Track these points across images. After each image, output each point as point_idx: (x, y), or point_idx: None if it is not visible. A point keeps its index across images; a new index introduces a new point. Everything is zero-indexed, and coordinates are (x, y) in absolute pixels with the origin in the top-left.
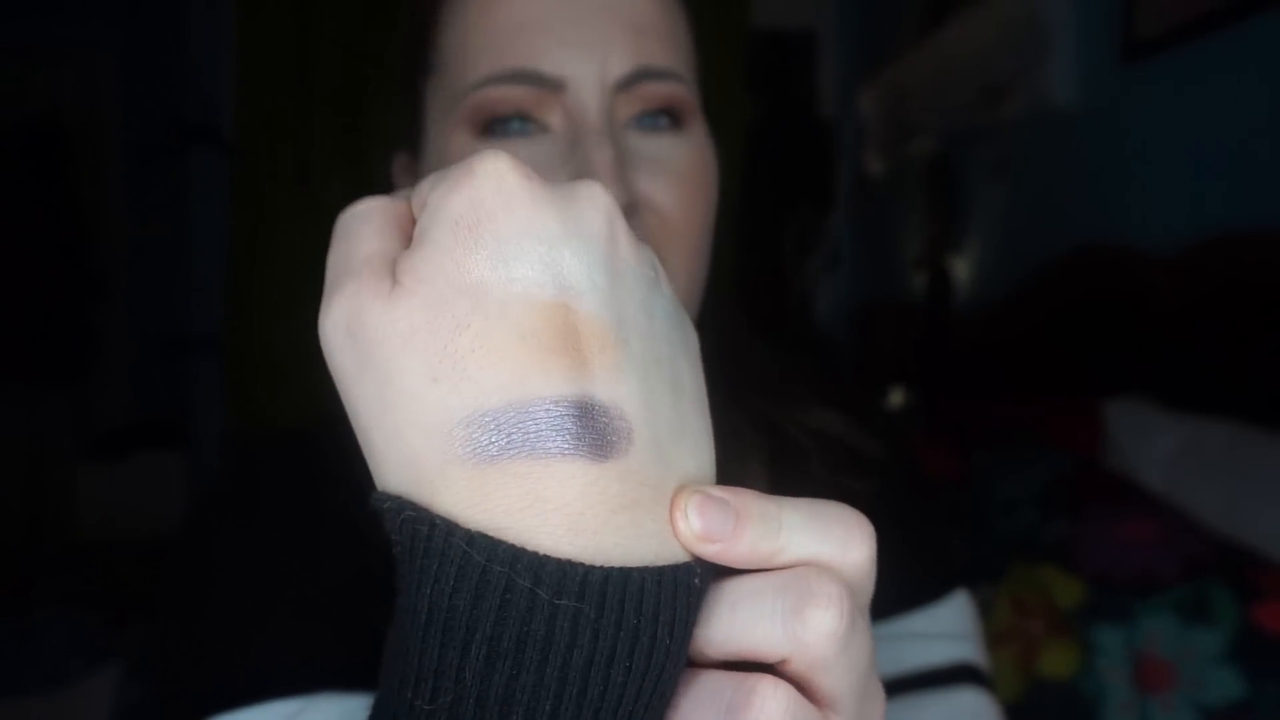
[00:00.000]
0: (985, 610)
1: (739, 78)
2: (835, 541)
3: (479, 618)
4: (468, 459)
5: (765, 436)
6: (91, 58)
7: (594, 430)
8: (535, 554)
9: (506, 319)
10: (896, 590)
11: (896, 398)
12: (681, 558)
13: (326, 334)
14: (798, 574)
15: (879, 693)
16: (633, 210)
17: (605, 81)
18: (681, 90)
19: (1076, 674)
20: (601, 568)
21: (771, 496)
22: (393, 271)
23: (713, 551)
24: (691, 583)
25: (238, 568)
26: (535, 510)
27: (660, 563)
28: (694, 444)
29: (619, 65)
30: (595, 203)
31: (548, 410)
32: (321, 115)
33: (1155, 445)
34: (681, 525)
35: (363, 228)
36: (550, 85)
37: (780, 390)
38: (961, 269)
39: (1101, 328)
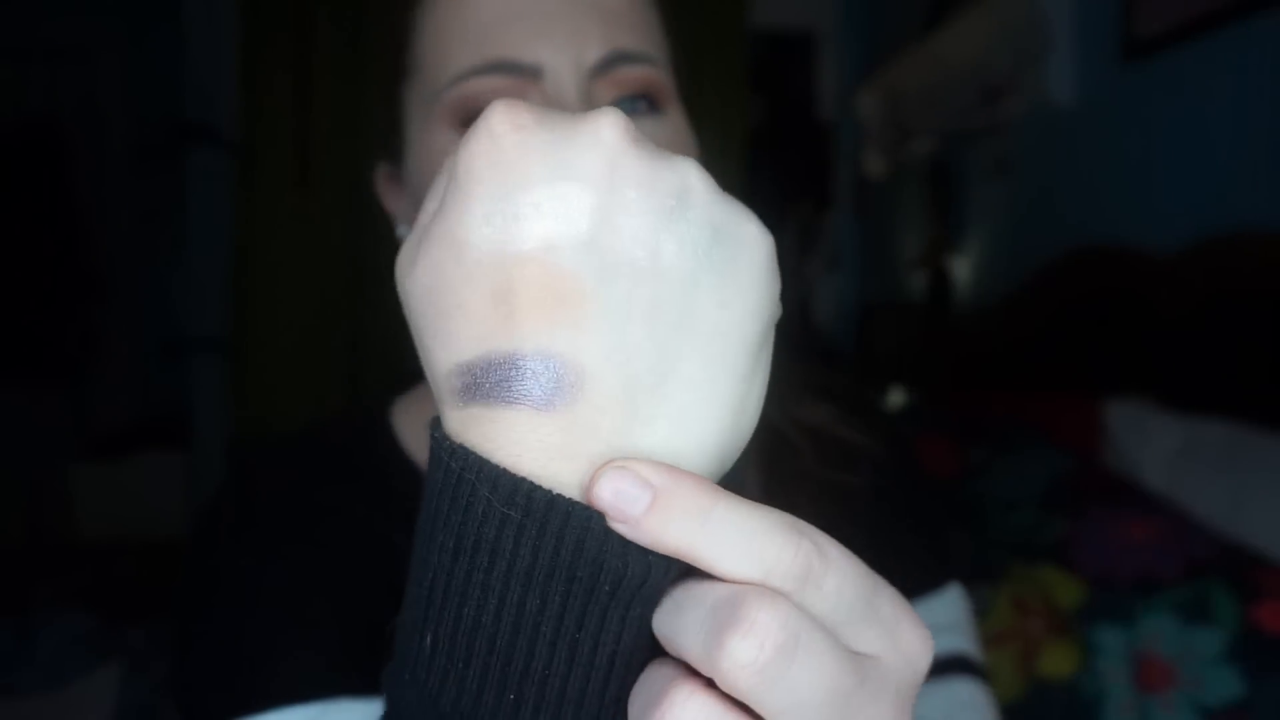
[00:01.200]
0: (985, 610)
1: (739, 78)
2: (789, 563)
3: (451, 517)
4: (455, 403)
5: (758, 431)
6: (91, 58)
7: (539, 380)
8: (497, 466)
9: (477, 278)
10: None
11: (896, 398)
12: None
13: (398, 280)
14: (735, 592)
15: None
16: None
17: (581, 67)
18: (656, 74)
19: (1077, 674)
20: (549, 490)
21: (725, 494)
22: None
23: (620, 531)
24: (640, 547)
25: (250, 577)
26: (489, 448)
27: None
28: (685, 389)
29: (594, 51)
30: (598, 138)
31: (504, 362)
32: (321, 115)
33: (1155, 445)
34: (592, 494)
35: (438, 182)
36: (528, 73)
37: (775, 384)
38: (961, 269)
39: (1101, 327)
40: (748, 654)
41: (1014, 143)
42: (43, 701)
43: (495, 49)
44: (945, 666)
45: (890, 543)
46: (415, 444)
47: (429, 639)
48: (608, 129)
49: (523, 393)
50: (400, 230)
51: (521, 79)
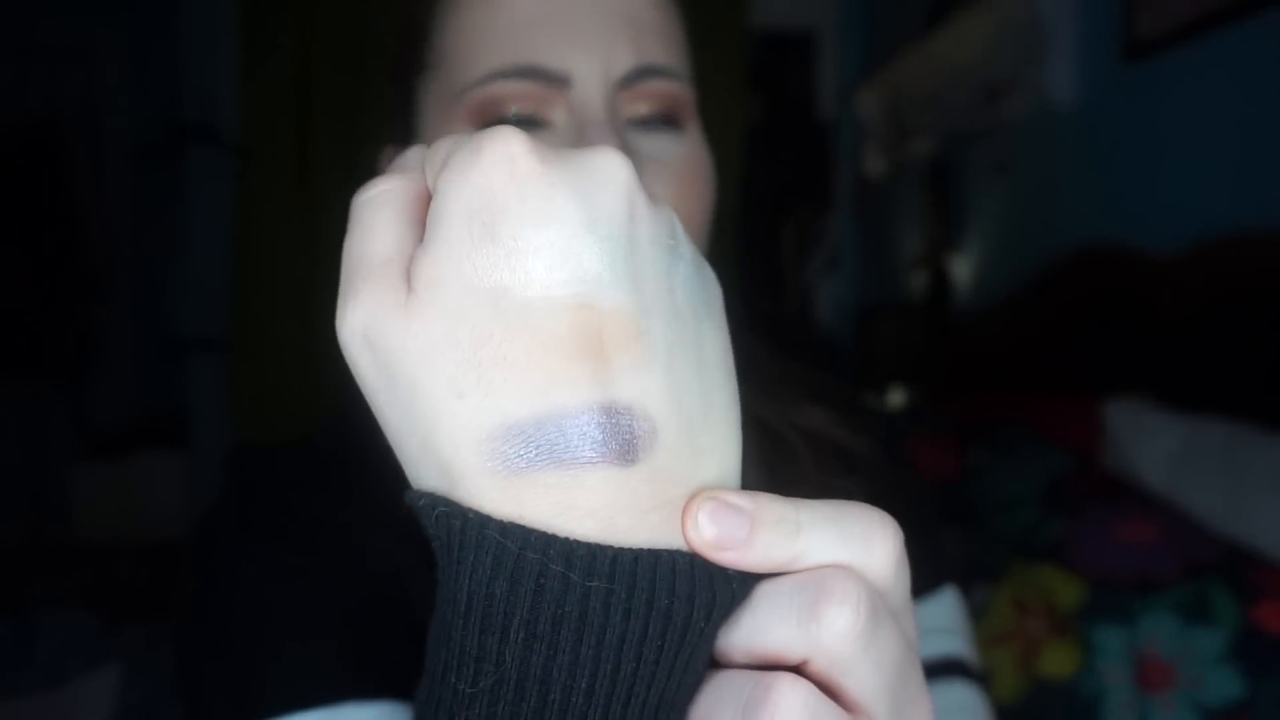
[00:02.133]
0: (985, 610)
1: (739, 78)
2: (857, 543)
3: (516, 602)
4: (498, 471)
5: (756, 434)
6: (91, 58)
7: (619, 435)
8: (566, 539)
9: (527, 326)
10: None
11: (896, 398)
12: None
13: (345, 340)
14: (815, 574)
15: (922, 697)
16: None
17: (610, 77)
18: (681, 89)
19: (1077, 674)
20: (631, 549)
21: (791, 500)
22: (408, 274)
23: (729, 559)
24: (725, 572)
25: (253, 581)
26: (568, 517)
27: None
28: (720, 419)
29: (622, 62)
30: (612, 175)
31: (574, 420)
32: (321, 115)
33: (1155, 445)
34: (693, 534)
35: (377, 217)
36: (556, 81)
37: (771, 388)
38: (961, 269)
39: (1101, 327)
40: (846, 620)
41: (1014, 143)
42: (43, 701)
43: (524, 53)
44: (940, 669)
45: None
46: None
47: None
48: (620, 168)
49: (604, 449)
50: None
51: (548, 85)
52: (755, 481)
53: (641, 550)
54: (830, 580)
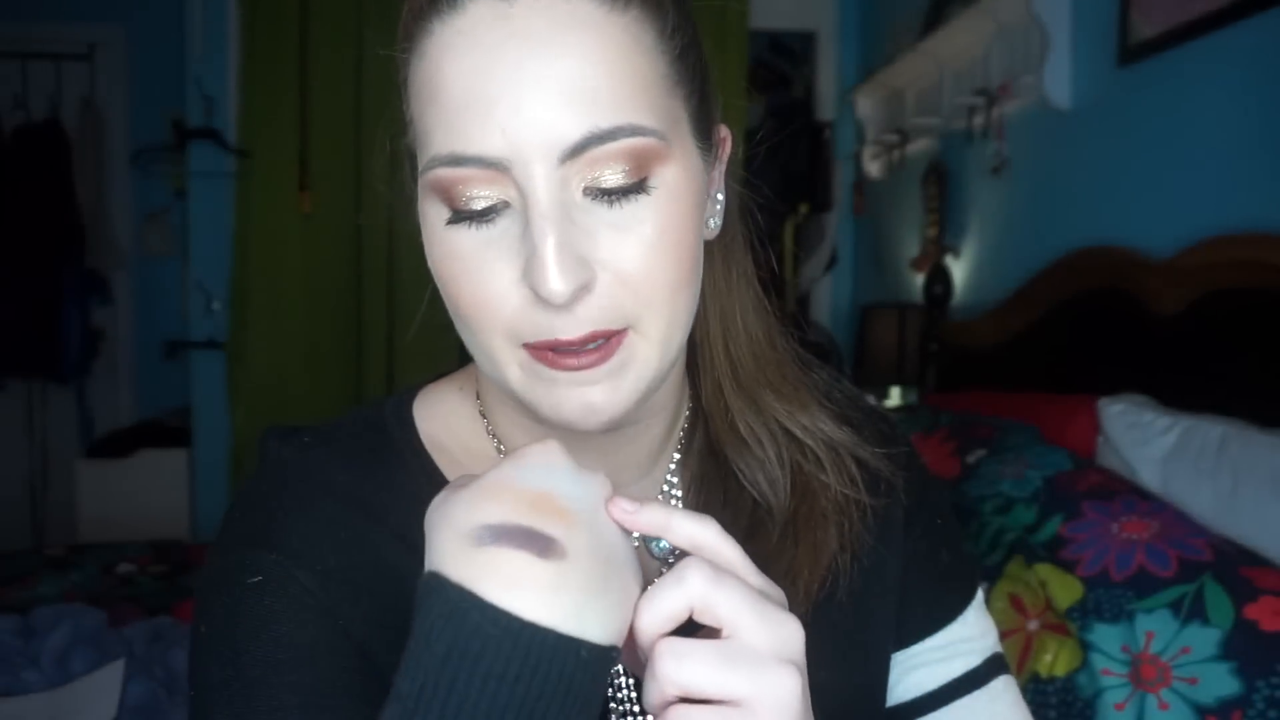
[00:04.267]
0: None
1: (739, 78)
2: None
3: (442, 630)
4: (475, 544)
5: (782, 442)
6: (94, 59)
7: (540, 542)
8: (485, 601)
9: (512, 492)
10: (927, 609)
11: (895, 398)
12: (610, 642)
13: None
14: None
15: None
16: (587, 290)
17: (550, 155)
18: (637, 143)
19: (1074, 672)
20: (526, 621)
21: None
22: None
23: (626, 516)
24: (609, 655)
25: (261, 593)
26: (501, 576)
27: (589, 640)
28: (615, 596)
29: (567, 134)
30: (597, 479)
31: (518, 527)
32: (322, 117)
33: (1151, 444)
34: (613, 509)
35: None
36: (496, 167)
37: (798, 398)
38: (960, 269)
39: (1098, 327)
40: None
41: (1012, 144)
42: (46, 699)
43: (460, 142)
44: (989, 672)
45: (927, 572)
46: (434, 439)
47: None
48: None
49: (529, 544)
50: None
51: (491, 170)
52: (781, 482)
53: (537, 626)
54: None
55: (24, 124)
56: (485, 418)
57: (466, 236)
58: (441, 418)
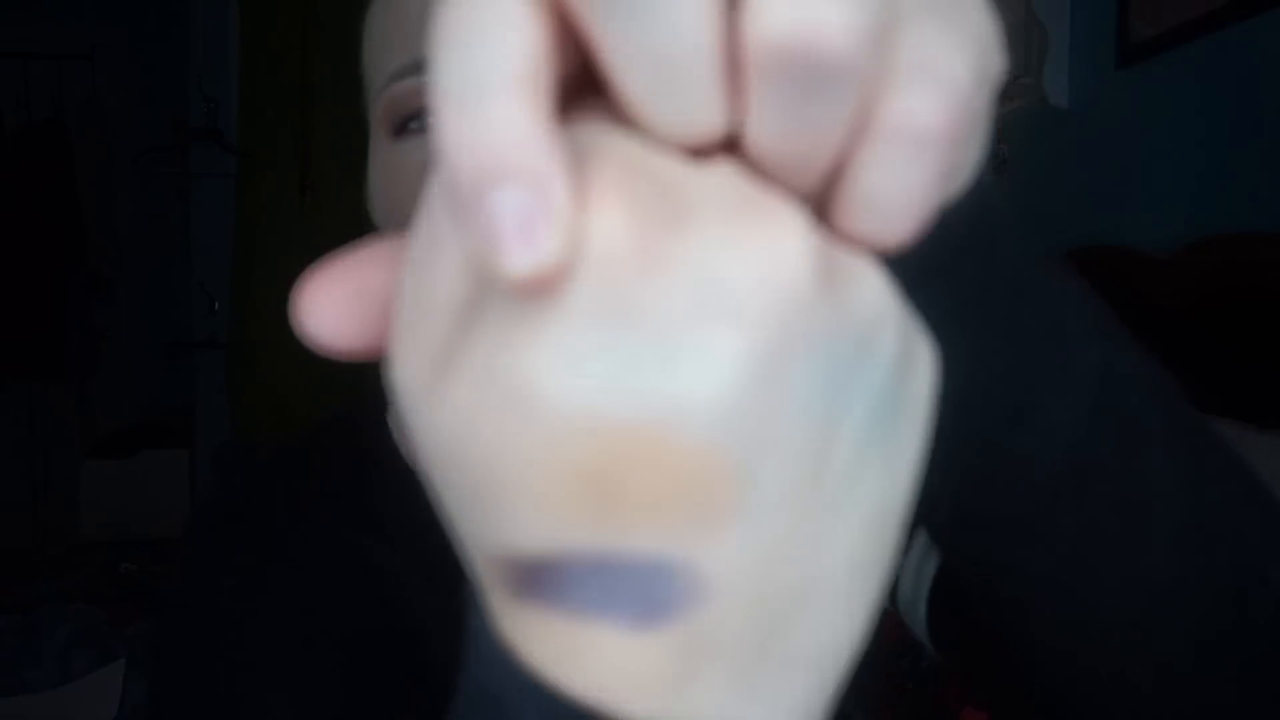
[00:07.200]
0: None
1: None
2: None
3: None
4: (505, 592)
5: None
6: (96, 60)
7: (644, 596)
8: (556, 698)
9: (554, 450)
10: None
11: None
12: None
13: (398, 389)
14: None
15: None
16: None
17: None
18: None
19: None
20: None
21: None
22: (460, 327)
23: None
24: None
25: (232, 595)
26: (565, 667)
27: None
28: (829, 592)
29: None
30: (770, 248)
31: (587, 567)
32: (323, 117)
33: None
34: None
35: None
36: None
37: None
38: None
39: None
40: None
41: (1011, 144)
42: (48, 698)
43: (420, 47)
44: None
45: None
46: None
47: None
48: (789, 235)
49: (612, 604)
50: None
51: None
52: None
53: None
54: None
55: (25, 124)
56: None
57: (418, 149)
58: None
